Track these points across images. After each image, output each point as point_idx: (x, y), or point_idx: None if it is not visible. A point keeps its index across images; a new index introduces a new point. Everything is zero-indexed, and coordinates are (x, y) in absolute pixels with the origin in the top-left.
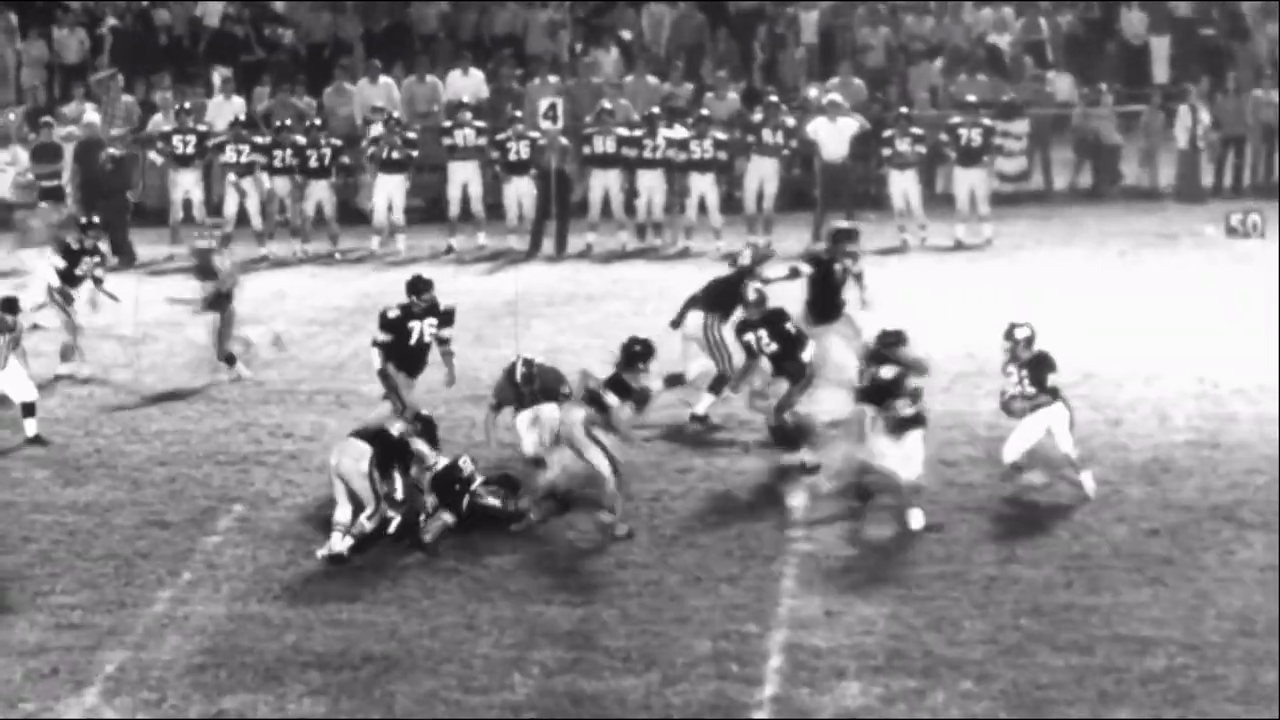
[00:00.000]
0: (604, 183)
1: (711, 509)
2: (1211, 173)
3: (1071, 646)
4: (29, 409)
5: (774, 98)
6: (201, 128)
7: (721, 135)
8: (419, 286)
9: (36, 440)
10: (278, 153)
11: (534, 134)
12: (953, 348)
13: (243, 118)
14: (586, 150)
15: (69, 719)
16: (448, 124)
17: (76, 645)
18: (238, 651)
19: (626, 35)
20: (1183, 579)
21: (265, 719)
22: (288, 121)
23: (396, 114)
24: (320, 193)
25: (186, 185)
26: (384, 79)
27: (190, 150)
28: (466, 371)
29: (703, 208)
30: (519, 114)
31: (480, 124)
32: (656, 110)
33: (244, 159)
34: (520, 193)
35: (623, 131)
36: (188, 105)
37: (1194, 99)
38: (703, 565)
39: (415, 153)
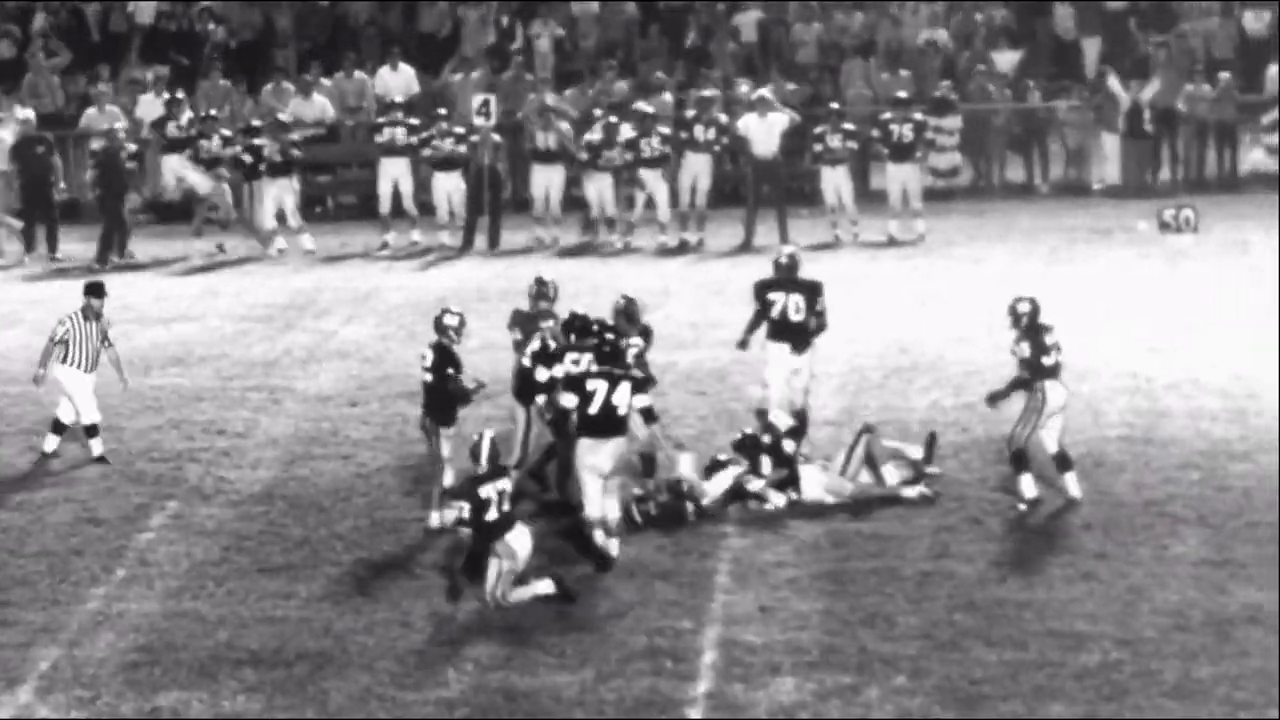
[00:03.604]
0: (546, 179)
1: None
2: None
3: (1005, 642)
4: (91, 430)
5: (706, 94)
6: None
7: (665, 130)
8: None
9: (101, 460)
10: (203, 143)
11: (461, 130)
12: (886, 344)
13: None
14: (529, 145)
15: (2, 717)
16: (379, 120)
17: (9, 643)
18: (171, 649)
19: (560, 32)
20: (1116, 574)
21: (199, 717)
22: (213, 112)
23: (284, 116)
24: (279, 190)
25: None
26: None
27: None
28: (399, 368)
29: (650, 204)
30: (444, 111)
31: (412, 121)
32: (614, 119)
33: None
34: (449, 189)
35: (593, 137)
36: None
37: (1113, 81)
38: (637, 561)
39: (298, 153)
